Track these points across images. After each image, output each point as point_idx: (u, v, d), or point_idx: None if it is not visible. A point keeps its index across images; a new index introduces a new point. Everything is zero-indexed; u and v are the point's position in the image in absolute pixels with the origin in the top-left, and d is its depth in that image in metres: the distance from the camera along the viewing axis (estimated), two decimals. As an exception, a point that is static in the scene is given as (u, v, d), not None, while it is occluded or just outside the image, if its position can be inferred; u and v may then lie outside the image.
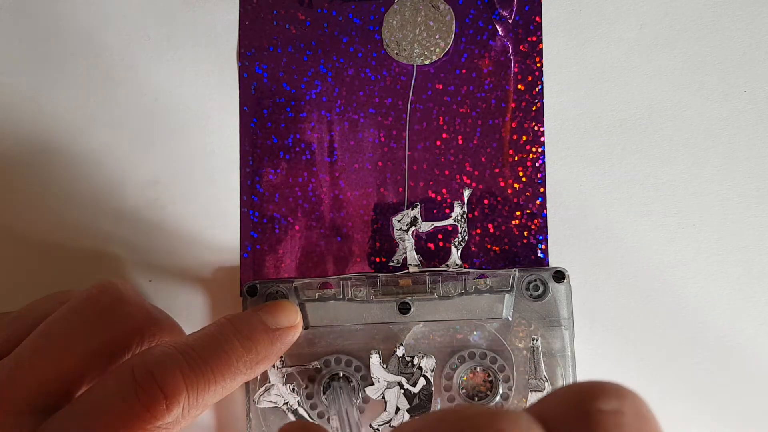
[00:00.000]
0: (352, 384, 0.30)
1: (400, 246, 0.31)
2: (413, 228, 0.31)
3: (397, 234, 0.31)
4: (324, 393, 0.30)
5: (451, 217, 0.31)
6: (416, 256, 0.31)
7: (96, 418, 0.22)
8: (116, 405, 0.22)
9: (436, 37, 0.29)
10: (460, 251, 0.31)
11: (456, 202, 0.31)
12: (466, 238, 0.31)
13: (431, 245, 0.31)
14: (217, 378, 0.25)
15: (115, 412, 0.22)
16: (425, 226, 0.31)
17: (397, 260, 0.31)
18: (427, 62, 0.30)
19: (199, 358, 0.24)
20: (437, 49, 0.30)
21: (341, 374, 0.30)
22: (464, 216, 0.31)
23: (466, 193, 0.31)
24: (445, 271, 0.30)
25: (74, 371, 0.24)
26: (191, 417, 0.24)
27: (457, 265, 0.31)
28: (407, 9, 0.30)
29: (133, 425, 0.22)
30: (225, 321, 0.26)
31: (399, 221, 0.30)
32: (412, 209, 0.31)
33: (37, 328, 0.25)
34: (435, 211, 0.32)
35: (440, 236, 0.31)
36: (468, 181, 0.32)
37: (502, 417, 0.16)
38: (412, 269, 0.31)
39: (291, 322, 0.28)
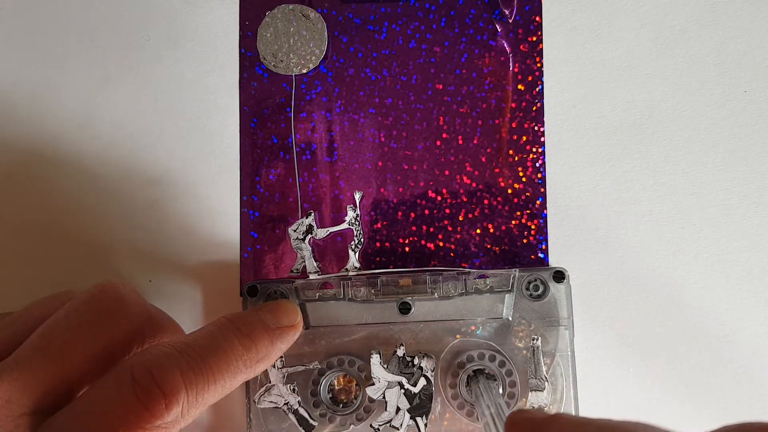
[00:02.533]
0: (494, 377, 0.30)
1: (299, 255, 0.31)
2: (310, 236, 0.31)
3: (294, 244, 0.31)
4: (468, 390, 0.30)
5: (345, 221, 0.31)
6: (315, 264, 0.31)
7: (95, 418, 0.22)
8: (115, 404, 0.22)
9: (311, 45, 0.30)
10: (358, 254, 0.31)
11: (349, 206, 0.31)
12: (363, 240, 0.31)
13: (431, 245, 0.31)
14: (217, 377, 0.24)
15: (115, 411, 0.22)
16: (321, 233, 0.31)
17: (297, 269, 0.31)
18: (304, 71, 0.31)
19: (198, 357, 0.24)
20: (313, 57, 0.30)
21: (485, 370, 0.30)
22: (358, 219, 0.31)
23: (357, 197, 0.31)
24: (346, 275, 0.30)
25: (75, 372, 0.24)
26: (191, 416, 0.24)
27: (356, 268, 0.31)
28: (279, 21, 0.30)
29: (133, 424, 0.22)
30: (224, 320, 0.26)
31: (295, 231, 0.30)
32: (307, 217, 0.31)
33: (38, 329, 0.25)
34: (436, 212, 0.32)
35: (433, 243, 0.31)
36: (468, 181, 0.32)
37: None
38: (311, 276, 0.31)
39: (291, 322, 0.28)
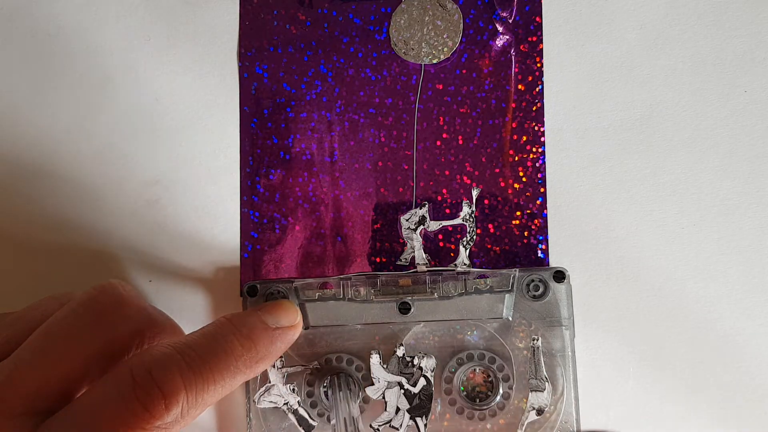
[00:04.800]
0: (353, 382, 0.30)
1: (408, 245, 0.31)
2: (421, 227, 0.31)
3: (405, 233, 0.31)
4: (325, 393, 0.30)
5: (459, 216, 0.31)
6: (425, 255, 0.31)
7: (95, 419, 0.22)
8: (115, 405, 0.23)
9: (444, 36, 0.29)
10: (468, 251, 0.31)
11: (464, 202, 0.31)
12: (475, 237, 0.31)
13: (440, 243, 0.31)
14: (216, 377, 0.24)
15: (114, 412, 0.22)
16: (434, 226, 0.31)
17: (405, 259, 0.31)
18: (435, 61, 0.30)
19: (198, 357, 0.24)
20: (445, 48, 0.30)
21: (342, 374, 0.30)
22: (472, 215, 0.31)
23: (475, 193, 0.31)
24: (453, 270, 0.30)
25: (74, 373, 0.24)
26: (191, 417, 0.24)
27: (465, 264, 0.31)
28: (414, 8, 0.30)
29: (132, 425, 0.22)
30: (224, 320, 0.26)
31: (407, 220, 0.30)
32: (420, 208, 0.31)
33: (38, 329, 0.25)
34: (436, 212, 0.32)
35: (441, 236, 0.32)
36: (468, 182, 0.32)
37: None
38: (420, 268, 0.31)
39: (291, 322, 0.28)
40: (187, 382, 0.23)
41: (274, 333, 0.27)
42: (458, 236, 0.31)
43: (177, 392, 0.23)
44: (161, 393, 0.23)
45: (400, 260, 0.31)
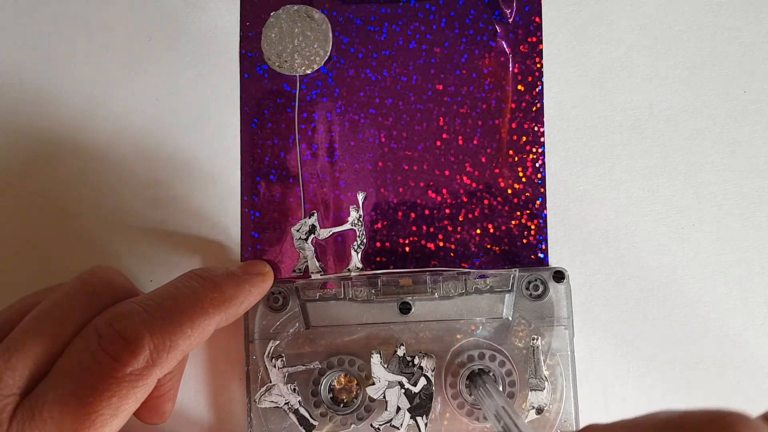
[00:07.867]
0: (493, 377, 0.30)
1: (301, 255, 0.31)
2: (312, 236, 0.31)
3: (297, 243, 0.31)
4: (468, 393, 0.29)
5: (348, 221, 0.31)
6: (317, 264, 0.31)
7: (70, 378, 0.23)
8: (86, 361, 0.23)
9: (315, 46, 0.30)
10: (360, 254, 0.31)
11: (351, 207, 0.31)
12: (365, 241, 0.31)
13: (431, 245, 0.32)
14: (182, 319, 0.25)
15: (87, 367, 0.23)
16: (324, 233, 0.31)
17: (299, 269, 0.31)
18: (309, 71, 0.31)
19: (156, 304, 0.25)
20: (317, 58, 0.31)
21: (485, 369, 0.30)
22: (360, 219, 0.31)
23: (360, 197, 0.31)
24: (348, 276, 0.30)
25: (62, 352, 0.25)
26: (167, 361, 0.24)
27: (358, 268, 0.31)
28: (283, 21, 0.31)
29: (105, 375, 0.23)
30: (189, 272, 0.27)
31: (297, 230, 0.31)
32: (309, 217, 0.31)
33: (30, 313, 0.25)
34: (436, 212, 0.32)
35: (441, 237, 0.32)
36: (468, 182, 0.32)
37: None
38: (314, 276, 0.31)
39: (258, 271, 0.29)
40: (148, 326, 0.24)
41: (241, 277, 0.28)
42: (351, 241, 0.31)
43: (140, 337, 0.24)
44: (124, 340, 0.24)
45: (295, 270, 0.31)
